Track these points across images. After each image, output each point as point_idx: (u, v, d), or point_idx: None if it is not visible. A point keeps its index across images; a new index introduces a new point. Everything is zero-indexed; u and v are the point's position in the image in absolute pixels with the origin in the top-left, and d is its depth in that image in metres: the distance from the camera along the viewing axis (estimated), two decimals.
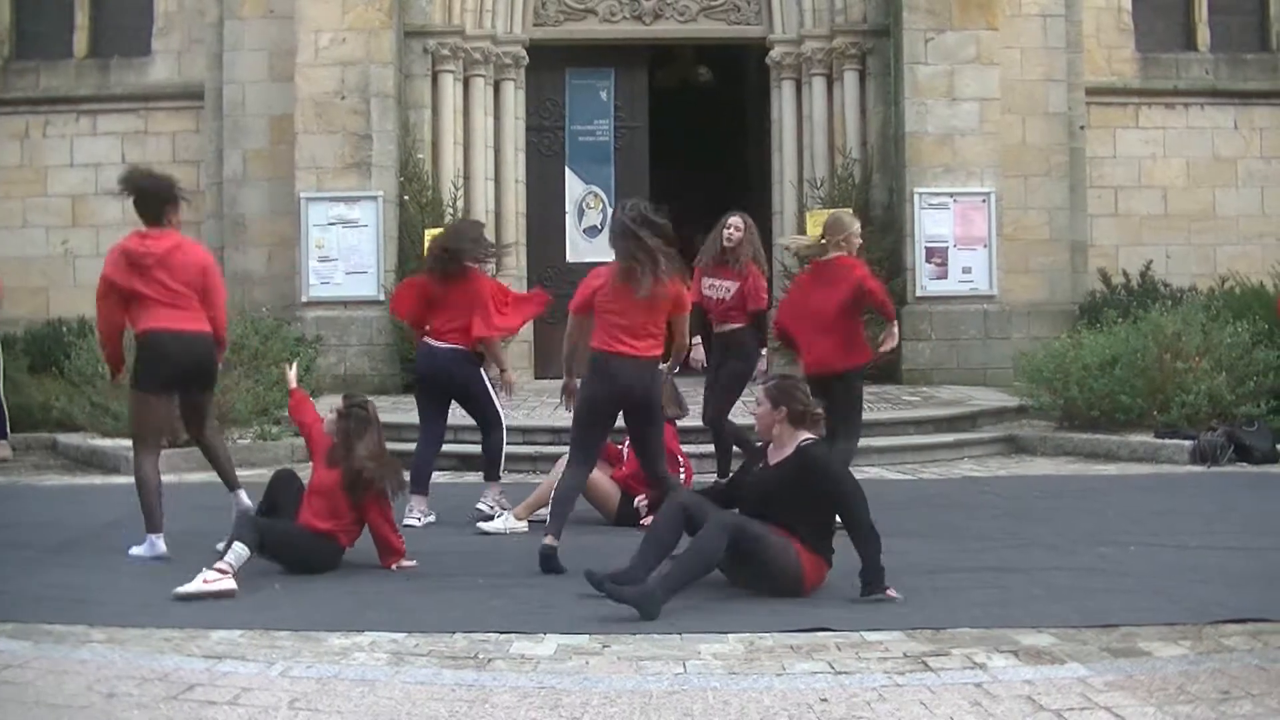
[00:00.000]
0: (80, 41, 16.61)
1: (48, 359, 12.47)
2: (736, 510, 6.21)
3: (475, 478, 9.69)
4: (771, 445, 6.29)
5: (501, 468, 8.48)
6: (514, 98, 15.73)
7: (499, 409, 8.47)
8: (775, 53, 15.70)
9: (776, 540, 5.90)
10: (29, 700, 4.43)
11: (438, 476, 8.66)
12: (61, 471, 10.52)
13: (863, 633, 5.35)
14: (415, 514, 8.03)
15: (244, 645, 5.23)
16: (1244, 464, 10.45)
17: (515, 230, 15.64)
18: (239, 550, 6.17)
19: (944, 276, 14.65)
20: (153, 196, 6.97)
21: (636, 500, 8.01)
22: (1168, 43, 16.89)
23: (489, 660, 5.03)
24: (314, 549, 6.59)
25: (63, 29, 16.64)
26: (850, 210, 8.99)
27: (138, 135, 16.25)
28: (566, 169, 16.03)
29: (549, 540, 6.59)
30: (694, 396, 8.89)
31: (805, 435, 6.15)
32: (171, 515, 7.03)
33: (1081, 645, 5.10)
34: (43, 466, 10.80)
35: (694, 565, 5.76)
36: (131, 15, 16.54)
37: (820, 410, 6.33)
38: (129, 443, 7.62)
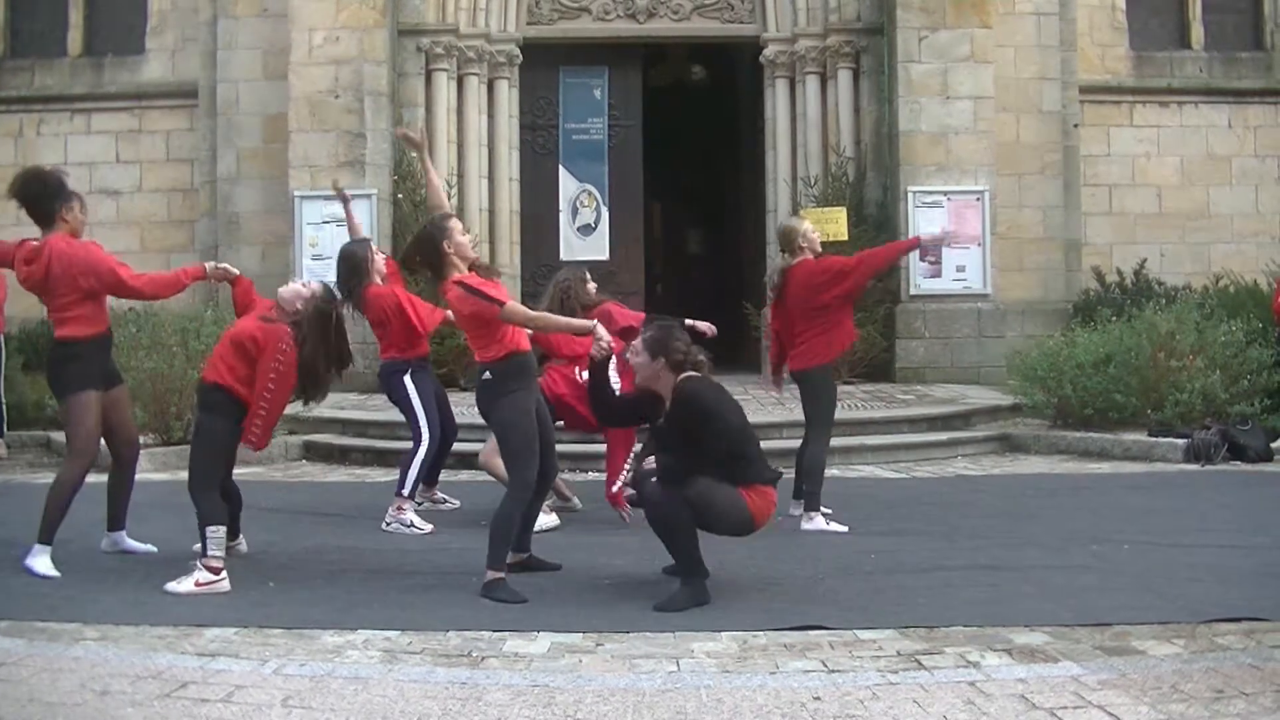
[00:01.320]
0: (74, 40, 16.63)
1: (42, 357, 12.42)
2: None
3: (469, 475, 9.70)
4: (662, 394, 6.08)
5: (407, 484, 7.92)
6: (508, 96, 15.74)
7: (420, 421, 8.09)
8: (769, 51, 15.72)
9: (719, 486, 5.85)
10: (23, 698, 4.43)
11: None
12: (56, 469, 10.48)
13: (856, 631, 5.35)
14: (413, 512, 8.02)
15: (237, 643, 5.23)
16: (1238, 463, 10.46)
17: (510, 228, 15.66)
18: (215, 534, 6.19)
19: (938, 275, 14.66)
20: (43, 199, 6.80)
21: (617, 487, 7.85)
22: (1162, 41, 16.94)
23: (482, 658, 5.03)
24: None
25: (57, 27, 16.66)
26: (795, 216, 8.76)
27: (132, 134, 16.28)
28: (560, 167, 16.04)
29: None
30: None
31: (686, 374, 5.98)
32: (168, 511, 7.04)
33: (1075, 644, 5.11)
34: (37, 464, 10.78)
35: (689, 540, 5.81)
36: (125, 14, 16.56)
37: (703, 357, 6.13)
38: None
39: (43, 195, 6.78)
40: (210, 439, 6.49)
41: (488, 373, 6.27)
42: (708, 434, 5.83)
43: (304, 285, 6.69)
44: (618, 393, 6.92)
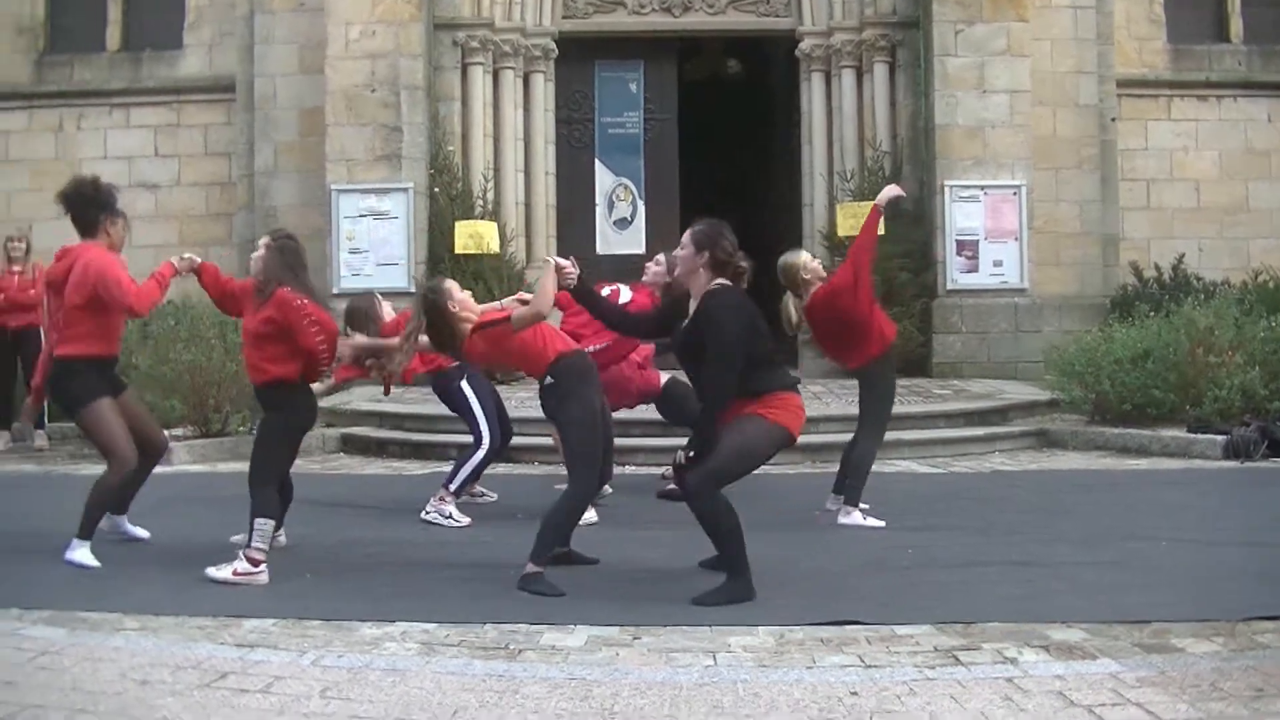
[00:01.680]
0: (113, 35, 16.77)
1: None
2: None
3: (505, 469, 9.74)
4: (692, 296, 5.99)
5: (456, 481, 7.99)
6: (543, 90, 15.75)
7: (483, 425, 8.17)
8: (804, 45, 15.67)
9: (740, 429, 5.78)
10: (66, 686, 4.48)
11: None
12: (95, 461, 10.48)
13: (893, 626, 5.34)
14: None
15: (276, 634, 5.27)
16: (1277, 459, 10.35)
17: (545, 222, 15.69)
18: (263, 527, 6.25)
19: (975, 270, 14.58)
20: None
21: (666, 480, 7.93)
22: (1199, 34, 16.77)
23: (519, 651, 5.04)
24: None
25: (95, 23, 16.79)
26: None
27: (170, 128, 16.39)
28: (596, 161, 16.05)
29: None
30: None
31: (718, 281, 5.87)
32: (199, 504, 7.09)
33: (1113, 641, 5.08)
34: (77, 456, 10.87)
35: (731, 532, 5.78)
36: (163, 9, 16.66)
37: (745, 265, 5.98)
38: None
39: (92, 202, 6.93)
40: (268, 435, 6.63)
41: (549, 377, 6.41)
42: (715, 340, 5.71)
43: (259, 249, 6.76)
44: (632, 315, 7.06)
